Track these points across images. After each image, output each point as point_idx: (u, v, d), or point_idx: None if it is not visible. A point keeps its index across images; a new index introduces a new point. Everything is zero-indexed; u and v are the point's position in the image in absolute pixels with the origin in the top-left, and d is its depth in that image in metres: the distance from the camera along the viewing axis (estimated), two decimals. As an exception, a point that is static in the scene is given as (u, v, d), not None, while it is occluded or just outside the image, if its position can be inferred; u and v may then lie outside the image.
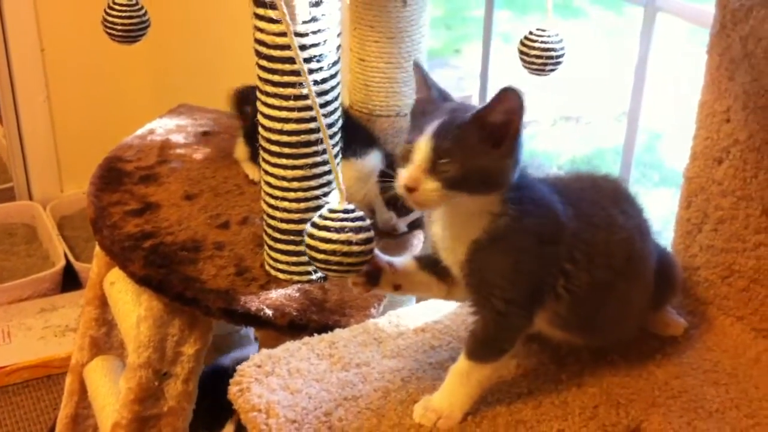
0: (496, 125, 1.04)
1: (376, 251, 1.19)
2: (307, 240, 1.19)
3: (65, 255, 2.72)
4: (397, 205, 1.71)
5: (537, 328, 1.18)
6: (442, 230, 1.15)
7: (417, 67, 1.15)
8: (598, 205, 1.18)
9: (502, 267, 1.10)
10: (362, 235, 1.17)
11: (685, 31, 3.29)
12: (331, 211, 1.19)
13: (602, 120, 3.68)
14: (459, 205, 1.09)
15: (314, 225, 1.19)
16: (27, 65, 2.84)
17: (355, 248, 1.16)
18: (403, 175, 1.06)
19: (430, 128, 1.06)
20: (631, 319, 1.25)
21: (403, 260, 1.22)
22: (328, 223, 1.18)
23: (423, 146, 1.05)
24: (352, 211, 1.19)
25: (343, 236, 1.16)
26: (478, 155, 1.04)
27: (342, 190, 1.22)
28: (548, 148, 3.57)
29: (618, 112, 3.55)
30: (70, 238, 2.85)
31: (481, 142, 1.04)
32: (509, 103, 1.02)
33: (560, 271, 1.13)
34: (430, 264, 1.21)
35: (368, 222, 1.19)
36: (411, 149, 1.06)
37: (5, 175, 3.19)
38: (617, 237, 1.17)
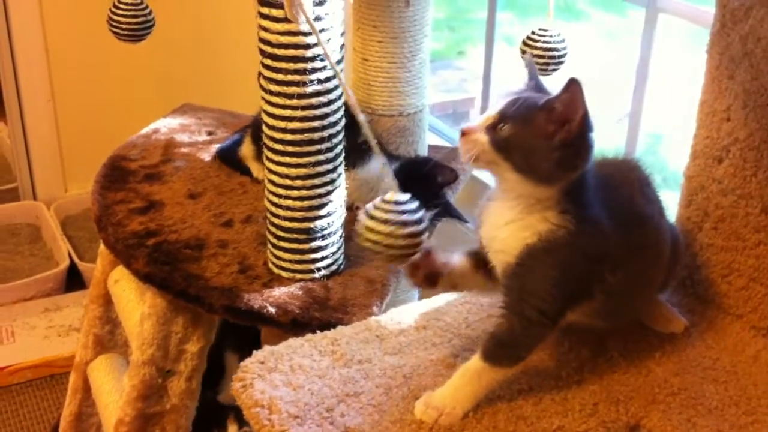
0: (559, 115, 1.06)
1: (434, 253, 1.22)
2: (367, 227, 1.20)
3: (69, 255, 2.74)
4: None
5: (568, 320, 1.19)
6: (495, 230, 1.15)
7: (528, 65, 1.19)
8: (630, 201, 1.20)
9: (546, 278, 1.11)
10: (417, 216, 1.20)
11: (686, 33, 3.29)
12: (384, 201, 1.21)
13: (604, 122, 3.69)
14: (519, 202, 1.11)
15: (369, 216, 1.21)
16: (32, 65, 2.86)
17: (410, 230, 1.19)
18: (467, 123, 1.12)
19: (509, 99, 1.10)
20: (653, 296, 1.29)
21: (458, 259, 1.23)
22: (385, 215, 1.20)
23: (494, 109, 1.11)
24: (406, 201, 1.22)
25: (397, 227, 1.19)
26: (533, 134, 1.07)
27: (395, 182, 1.24)
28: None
29: (620, 114, 3.56)
30: (74, 238, 2.87)
31: (543, 125, 1.06)
32: (571, 93, 1.04)
33: (599, 280, 1.14)
34: (484, 263, 1.22)
35: (417, 204, 1.22)
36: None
37: (9, 175, 3.20)
38: (647, 228, 1.20)
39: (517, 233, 1.12)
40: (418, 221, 1.21)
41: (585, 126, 1.06)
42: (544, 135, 1.06)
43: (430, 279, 1.23)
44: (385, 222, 1.19)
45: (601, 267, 1.13)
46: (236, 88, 2.49)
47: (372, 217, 1.21)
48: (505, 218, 1.13)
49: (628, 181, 1.23)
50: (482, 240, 1.19)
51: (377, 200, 1.22)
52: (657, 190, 1.26)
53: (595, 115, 1.09)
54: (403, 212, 1.20)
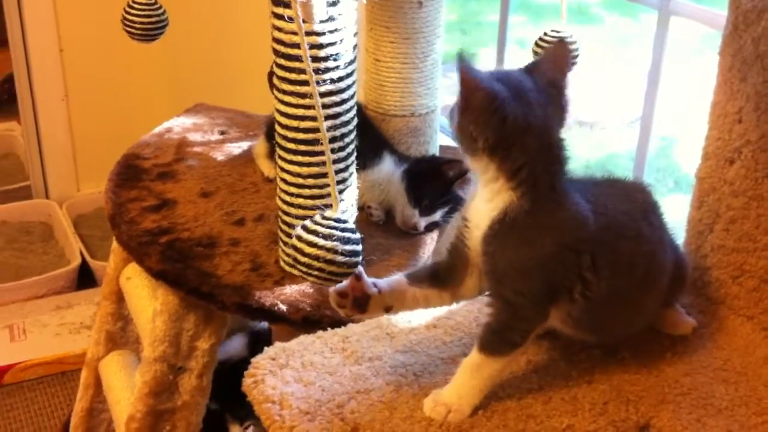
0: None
1: (363, 276, 1.20)
2: (294, 241, 1.22)
3: (81, 253, 2.75)
4: (421, 205, 1.73)
5: (547, 324, 1.20)
6: (474, 204, 1.18)
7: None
8: (629, 216, 1.19)
9: (512, 258, 1.12)
10: (348, 247, 1.20)
11: (699, 36, 3.29)
12: (324, 217, 1.22)
13: (616, 125, 3.69)
14: (480, 178, 1.15)
15: (304, 228, 1.22)
16: (46, 65, 2.88)
17: (339, 258, 1.19)
18: None
19: None
20: (641, 321, 1.27)
21: (390, 281, 1.23)
22: (318, 228, 1.20)
23: None
24: (344, 221, 1.22)
25: (329, 244, 1.19)
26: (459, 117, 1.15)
27: (337, 198, 1.26)
28: (562, 153, 3.56)
29: (633, 117, 3.55)
30: (85, 237, 2.88)
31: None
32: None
33: (579, 278, 1.14)
34: (428, 276, 1.24)
35: (358, 236, 1.22)
36: None
37: (23, 174, 3.22)
38: (642, 249, 1.19)
39: (486, 205, 1.14)
40: (357, 241, 1.21)
41: (467, 87, 1.11)
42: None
43: (360, 304, 1.21)
44: (327, 237, 1.19)
45: (579, 257, 1.12)
46: (249, 88, 2.51)
47: (313, 232, 1.20)
48: (479, 194, 1.16)
49: (631, 199, 1.23)
50: (468, 225, 1.19)
51: (316, 217, 1.22)
52: (663, 218, 1.25)
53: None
54: (345, 229, 1.21)
